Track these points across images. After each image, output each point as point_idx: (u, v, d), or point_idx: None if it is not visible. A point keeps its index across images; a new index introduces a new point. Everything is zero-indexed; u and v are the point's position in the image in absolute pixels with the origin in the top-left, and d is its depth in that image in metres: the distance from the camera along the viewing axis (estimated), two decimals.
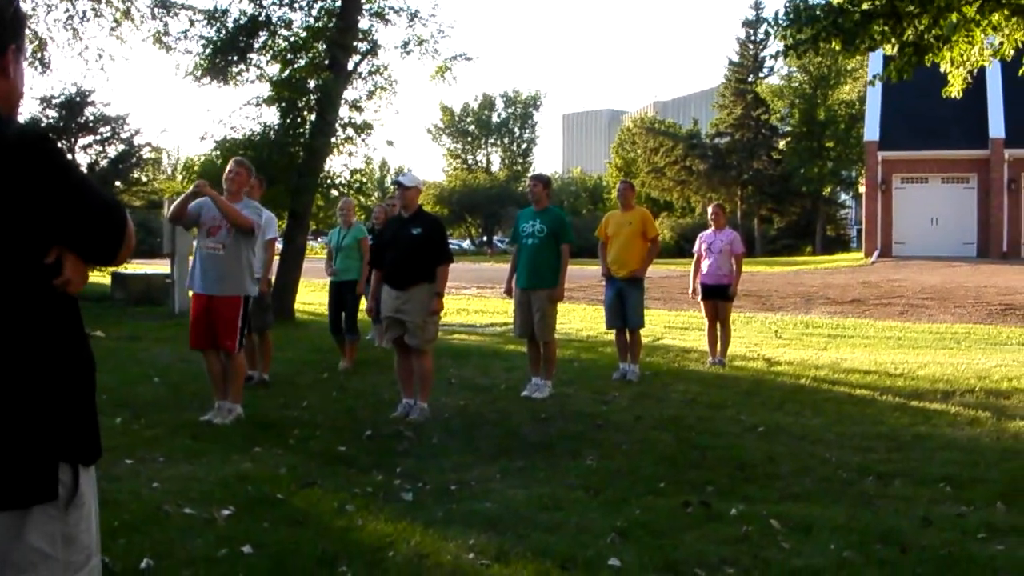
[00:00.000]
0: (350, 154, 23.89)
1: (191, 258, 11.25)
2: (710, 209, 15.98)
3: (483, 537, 6.43)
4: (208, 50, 22.29)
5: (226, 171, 11.02)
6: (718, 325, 15.15)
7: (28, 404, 2.89)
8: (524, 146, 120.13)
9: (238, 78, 22.63)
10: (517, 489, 7.83)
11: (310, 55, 22.50)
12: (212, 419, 10.42)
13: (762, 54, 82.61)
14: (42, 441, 2.91)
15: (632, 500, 7.49)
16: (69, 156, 3.13)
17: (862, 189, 59.64)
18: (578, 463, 8.83)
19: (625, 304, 13.86)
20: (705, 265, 15.20)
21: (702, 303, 15.38)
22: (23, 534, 2.90)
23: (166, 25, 23.55)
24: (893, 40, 13.93)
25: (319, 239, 50.79)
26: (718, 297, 15.16)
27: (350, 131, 23.28)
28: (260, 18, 22.42)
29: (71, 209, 2.97)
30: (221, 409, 10.58)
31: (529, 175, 13.81)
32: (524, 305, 12.74)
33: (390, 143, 43.40)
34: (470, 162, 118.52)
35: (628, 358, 13.80)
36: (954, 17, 13.30)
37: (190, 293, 11.48)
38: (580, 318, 22.66)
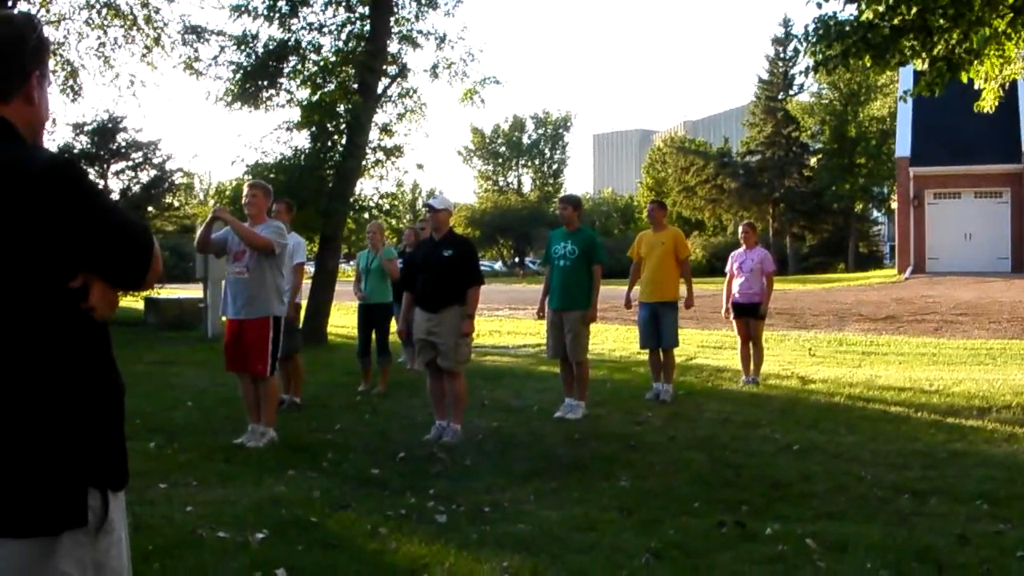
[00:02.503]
0: (381, 177, 24.02)
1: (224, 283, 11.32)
2: (740, 228, 15.94)
3: (517, 559, 6.42)
4: (238, 75, 22.43)
5: (243, 197, 11.10)
6: (750, 344, 15.11)
7: (57, 430, 2.90)
8: (555, 167, 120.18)
9: (268, 103, 22.78)
10: (551, 510, 7.81)
11: (340, 79, 22.60)
12: (246, 442, 10.46)
13: (792, 71, 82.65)
14: (71, 467, 2.91)
15: (666, 520, 7.46)
16: (97, 182, 3.15)
17: (894, 205, 59.42)
18: (612, 484, 8.80)
19: (660, 323, 13.82)
20: (736, 284, 15.18)
21: (734, 322, 15.34)
22: (53, 561, 2.89)
23: (196, 51, 23.81)
24: (924, 55, 13.87)
25: (350, 262, 50.96)
26: (750, 315, 15.14)
27: (380, 154, 23.38)
28: (289, 43, 22.55)
29: (97, 234, 2.97)
30: (254, 432, 10.62)
31: (559, 196, 13.80)
32: (557, 326, 12.73)
33: (420, 166, 43.56)
34: (501, 184, 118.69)
35: (662, 378, 13.76)
36: (986, 31, 13.24)
37: (223, 319, 11.57)
38: (613, 338, 22.63)
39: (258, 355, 10.73)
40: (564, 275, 12.64)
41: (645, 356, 14.53)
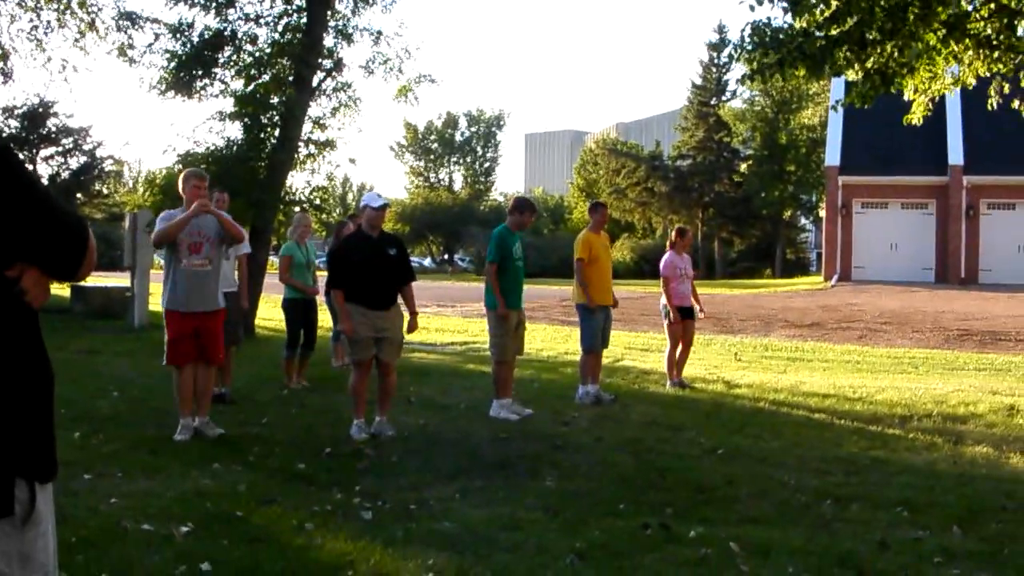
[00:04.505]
0: (313, 171, 23.89)
1: (166, 276, 10.85)
2: (677, 232, 15.95)
3: (442, 557, 6.43)
4: (172, 64, 22.20)
5: (194, 188, 10.70)
6: (680, 346, 15.19)
7: None
8: (487, 165, 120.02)
9: (202, 92, 22.56)
10: (476, 509, 7.83)
11: (274, 71, 22.46)
12: (209, 433, 10.50)
13: (725, 77, 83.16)
14: None
15: (591, 521, 7.50)
16: (31, 168, 3.11)
17: (822, 213, 60.00)
18: (538, 483, 8.84)
19: (608, 326, 14.05)
20: (679, 288, 15.25)
21: (676, 326, 15.34)
22: None
23: (131, 38, 23.49)
24: (857, 66, 14.04)
25: (278, 254, 50.58)
26: (689, 318, 15.29)
27: (312, 148, 23.26)
28: (225, 33, 22.36)
29: (32, 223, 2.94)
30: (208, 425, 10.63)
31: (518, 199, 13.81)
32: (519, 325, 12.86)
33: (352, 161, 43.37)
34: (432, 180, 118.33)
35: (589, 380, 13.79)
36: (919, 45, 13.43)
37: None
38: (540, 338, 22.66)
39: (218, 345, 10.84)
40: (521, 275, 12.86)
41: (574, 357, 14.55)
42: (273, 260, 27.19)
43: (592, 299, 13.75)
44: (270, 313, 24.54)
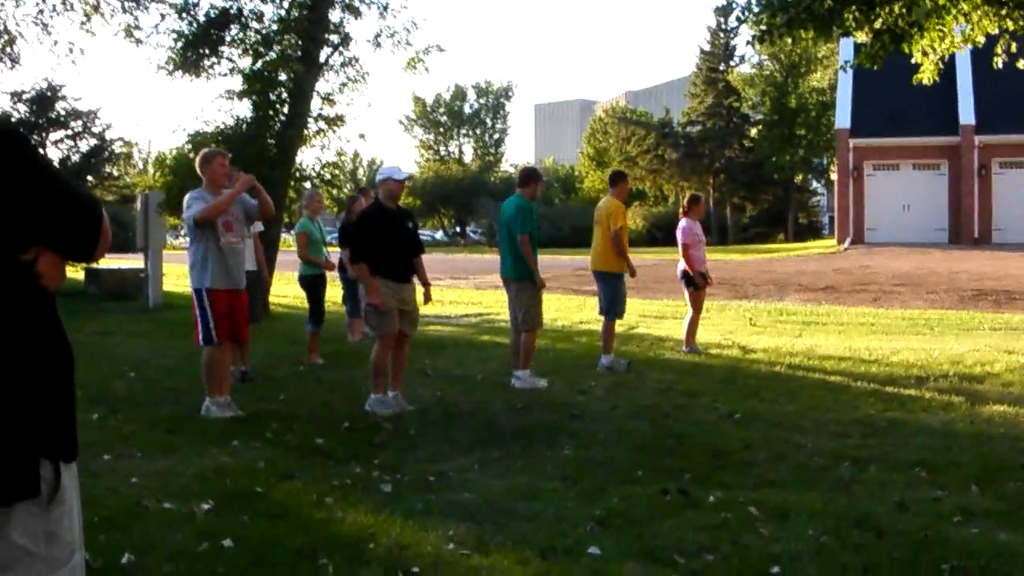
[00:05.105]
0: (323, 147, 23.85)
1: (199, 256, 10.63)
2: (691, 199, 15.91)
3: (462, 528, 6.45)
4: (179, 44, 22.17)
5: (220, 165, 10.77)
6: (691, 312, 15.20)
7: (9, 401, 2.88)
8: (496, 136, 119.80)
9: (210, 71, 22.52)
10: (495, 480, 7.85)
11: (281, 48, 22.42)
12: (236, 412, 10.47)
13: (733, 42, 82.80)
14: (23, 438, 2.90)
15: (610, 489, 7.51)
16: (41, 151, 3.11)
17: (833, 176, 59.86)
18: (555, 453, 8.85)
19: None
20: (698, 255, 15.20)
21: (703, 292, 15.34)
22: (6, 532, 2.89)
23: (137, 19, 23.45)
24: (866, 27, 13.97)
25: (291, 231, 50.65)
26: (707, 284, 15.32)
27: (322, 124, 23.22)
28: (231, 11, 22.32)
29: (47, 205, 2.95)
30: (233, 404, 10.63)
31: (528, 168, 13.81)
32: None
33: (362, 136, 43.44)
34: (442, 153, 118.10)
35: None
36: (927, 3, 13.34)
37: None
38: (555, 308, 22.66)
39: (245, 323, 10.98)
40: (536, 245, 12.84)
41: (590, 326, 14.56)
42: (286, 237, 27.08)
43: (628, 267, 13.87)
44: (284, 290, 24.59)
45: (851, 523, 6.55)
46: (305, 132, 22.77)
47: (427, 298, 11.63)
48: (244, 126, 22.10)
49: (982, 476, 7.76)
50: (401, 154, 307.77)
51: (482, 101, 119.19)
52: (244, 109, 22.49)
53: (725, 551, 6.05)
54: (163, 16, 22.79)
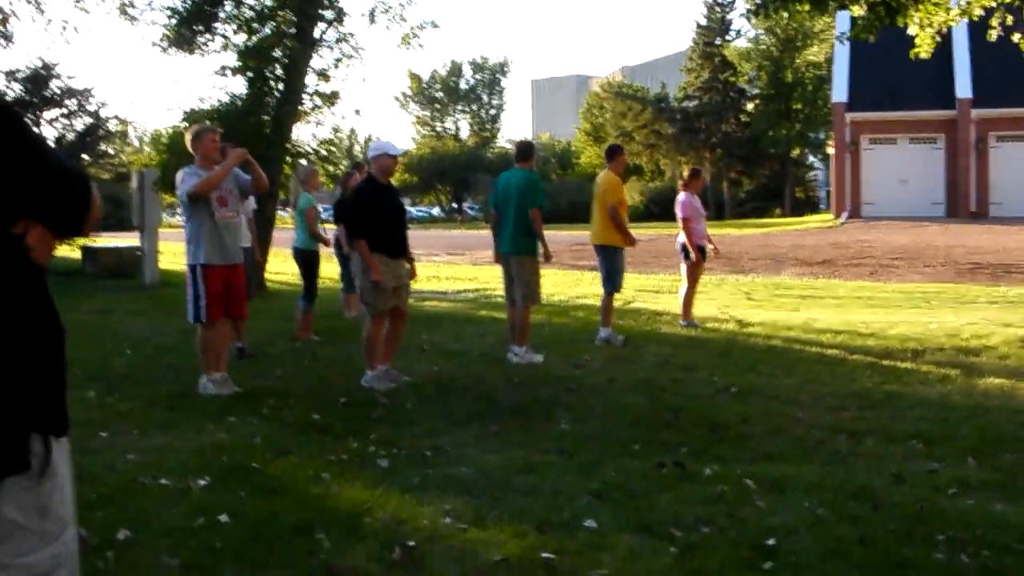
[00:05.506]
0: (318, 123, 23.82)
1: (195, 231, 10.48)
2: (691, 172, 15.89)
3: (459, 502, 6.45)
4: (174, 20, 22.13)
5: (212, 141, 10.65)
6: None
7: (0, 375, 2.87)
8: (492, 112, 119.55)
9: (204, 48, 22.48)
10: (492, 454, 7.84)
11: (276, 24, 22.36)
12: (233, 390, 10.42)
13: (729, 16, 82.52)
14: (13, 412, 2.89)
15: (607, 462, 7.52)
16: (33, 127, 3.09)
17: (830, 151, 59.80)
18: (552, 427, 8.85)
19: None
20: (698, 228, 15.19)
21: (700, 265, 15.36)
22: None
23: None
24: (862, 1, 13.93)
25: (287, 209, 50.57)
26: (704, 257, 15.31)
27: (317, 100, 23.18)
28: None
29: (36, 179, 2.94)
30: (230, 381, 10.58)
31: (523, 144, 13.69)
32: None
33: (358, 112, 43.20)
34: (439, 129, 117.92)
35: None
36: None
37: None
38: (551, 283, 22.64)
39: (243, 299, 10.94)
40: None
41: (587, 301, 14.55)
42: (281, 215, 27.00)
43: (628, 239, 13.85)
44: (280, 267, 24.57)
45: (848, 495, 6.56)
46: (300, 108, 22.73)
47: (412, 273, 11.58)
48: (239, 103, 22.07)
49: (978, 448, 7.78)
50: (397, 130, 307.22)
51: (478, 77, 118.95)
52: (239, 86, 22.48)
53: (721, 524, 6.05)
54: None
